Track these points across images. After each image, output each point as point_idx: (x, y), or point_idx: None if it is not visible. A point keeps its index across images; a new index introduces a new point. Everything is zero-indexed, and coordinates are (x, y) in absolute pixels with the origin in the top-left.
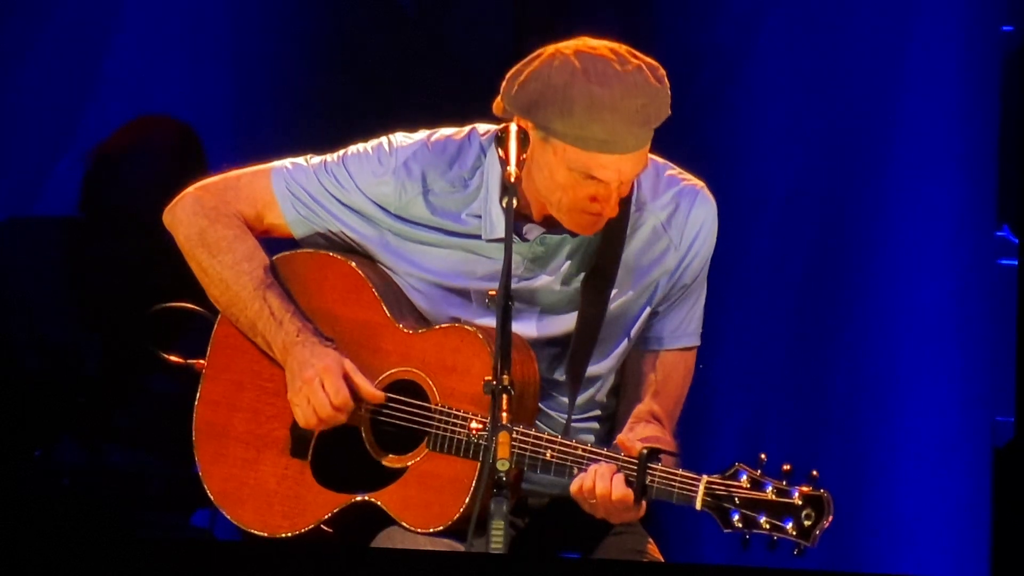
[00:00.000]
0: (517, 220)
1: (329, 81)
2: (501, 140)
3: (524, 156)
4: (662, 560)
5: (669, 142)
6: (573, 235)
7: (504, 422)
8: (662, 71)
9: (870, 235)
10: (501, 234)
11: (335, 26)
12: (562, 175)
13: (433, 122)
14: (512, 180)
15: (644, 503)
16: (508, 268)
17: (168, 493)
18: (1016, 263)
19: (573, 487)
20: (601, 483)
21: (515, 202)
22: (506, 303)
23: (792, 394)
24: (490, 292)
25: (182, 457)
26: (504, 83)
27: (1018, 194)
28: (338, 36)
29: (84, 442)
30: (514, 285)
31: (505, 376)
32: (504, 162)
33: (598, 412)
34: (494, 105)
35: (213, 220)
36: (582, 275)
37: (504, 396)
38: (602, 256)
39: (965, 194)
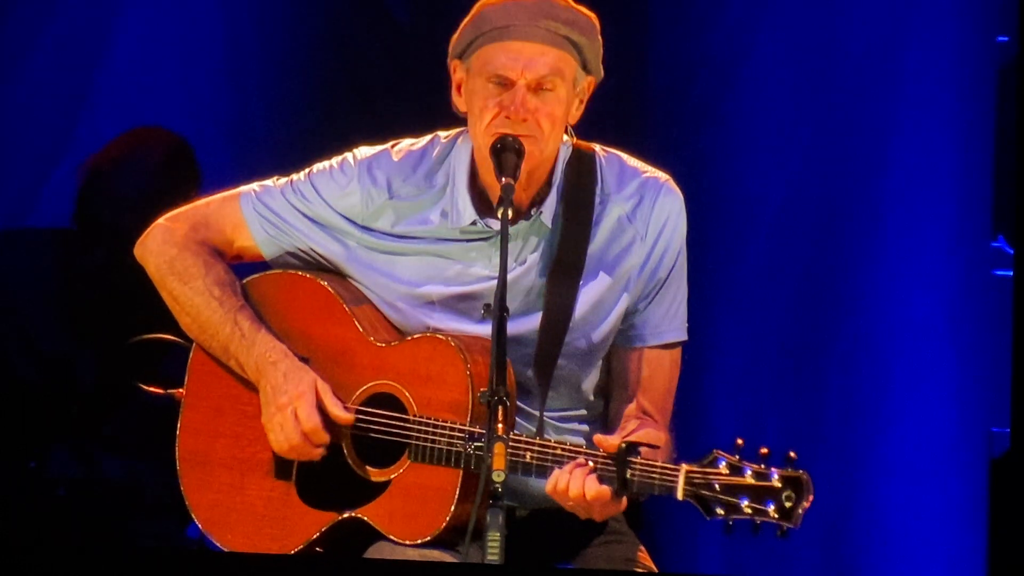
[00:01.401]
0: (481, 209)
1: (323, 92)
2: (499, 151)
3: (520, 164)
4: (654, 569)
5: (666, 151)
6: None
7: (500, 433)
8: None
9: (865, 246)
10: (467, 220)
11: (329, 37)
12: (477, 89)
13: (427, 130)
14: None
15: (625, 497)
16: (504, 277)
17: (163, 503)
18: (1011, 274)
19: (548, 486)
20: (575, 484)
21: (510, 213)
22: (501, 314)
23: (787, 405)
24: (485, 303)
25: (177, 467)
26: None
27: (1013, 205)
28: (332, 47)
29: (79, 452)
30: (484, 285)
31: (501, 387)
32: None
33: (583, 412)
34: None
35: (183, 248)
36: (548, 268)
37: (499, 407)
38: (566, 247)
39: (960, 204)
